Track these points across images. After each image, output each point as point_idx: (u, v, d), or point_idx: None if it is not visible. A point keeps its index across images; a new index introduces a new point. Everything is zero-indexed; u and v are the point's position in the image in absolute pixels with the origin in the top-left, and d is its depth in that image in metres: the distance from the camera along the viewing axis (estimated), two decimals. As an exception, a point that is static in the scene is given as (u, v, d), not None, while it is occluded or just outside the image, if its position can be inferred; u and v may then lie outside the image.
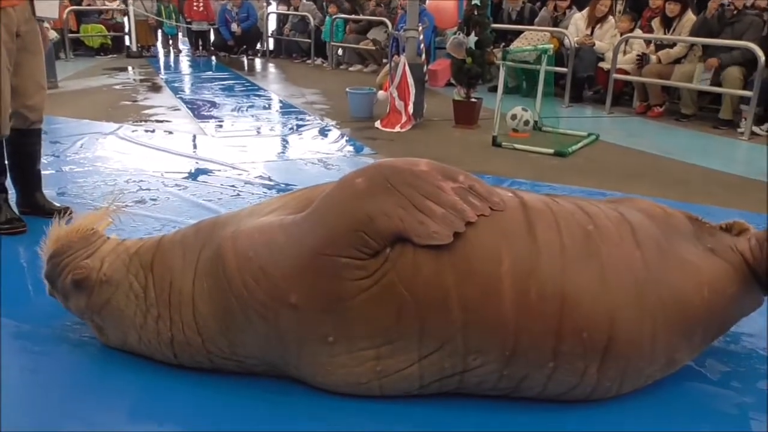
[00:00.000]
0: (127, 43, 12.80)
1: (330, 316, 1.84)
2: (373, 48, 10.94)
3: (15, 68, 3.21)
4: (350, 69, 11.44)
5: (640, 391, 2.04)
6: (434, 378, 1.92)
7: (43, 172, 3.63)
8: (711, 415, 2.01)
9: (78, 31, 12.12)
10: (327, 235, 1.82)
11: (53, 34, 6.95)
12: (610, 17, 8.15)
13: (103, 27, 12.50)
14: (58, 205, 3.59)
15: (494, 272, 1.80)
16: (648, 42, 7.67)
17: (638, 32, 7.77)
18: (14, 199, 3.52)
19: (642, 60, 7.51)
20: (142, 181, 4.33)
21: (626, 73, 7.65)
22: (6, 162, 3.40)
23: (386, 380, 1.91)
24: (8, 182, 3.45)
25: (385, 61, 9.19)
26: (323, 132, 6.33)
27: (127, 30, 12.81)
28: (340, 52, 11.97)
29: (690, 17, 7.25)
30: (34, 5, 3.29)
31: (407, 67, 6.38)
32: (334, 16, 11.54)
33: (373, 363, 1.88)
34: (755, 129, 6.49)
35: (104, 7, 12.60)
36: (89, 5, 12.48)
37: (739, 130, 6.60)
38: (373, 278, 1.81)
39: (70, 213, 3.20)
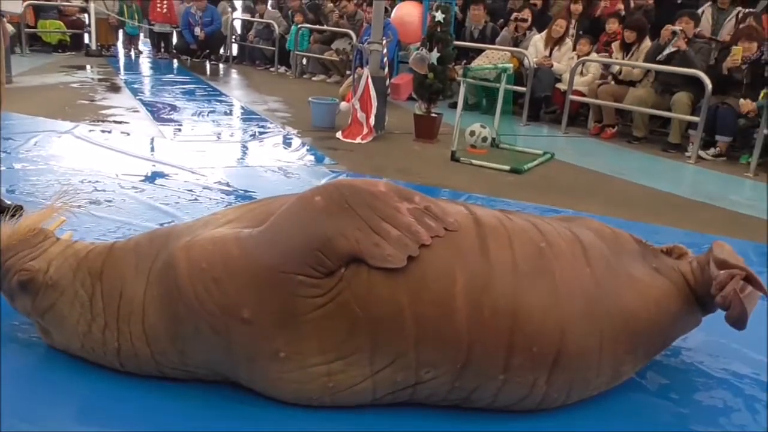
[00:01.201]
0: (87, 41, 12.57)
1: (282, 331, 1.84)
2: (337, 59, 10.98)
3: None
4: (313, 79, 11.46)
5: (584, 401, 2.12)
6: (387, 391, 1.94)
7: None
8: (650, 425, 2.10)
9: (35, 26, 11.85)
10: (283, 253, 1.82)
11: (10, 28, 6.79)
12: (568, 40, 8.38)
13: (62, 23, 12.25)
14: (8, 202, 3.50)
15: (448, 290, 1.83)
16: (606, 65, 7.92)
17: (594, 56, 8.02)
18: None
19: (610, 76, 7.79)
20: (97, 181, 4.27)
21: (582, 94, 7.88)
22: None
23: (338, 396, 1.92)
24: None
25: (348, 72, 9.25)
26: (284, 140, 6.34)
27: (86, 27, 12.58)
28: (304, 61, 11.98)
29: (647, 44, 7.52)
30: None
31: (370, 80, 6.45)
32: (299, 26, 11.57)
33: (325, 379, 1.89)
34: (701, 153, 6.76)
35: (64, 3, 12.35)
36: (48, 0, 12.22)
37: (686, 153, 6.86)
38: (327, 296, 1.82)
39: (21, 211, 3.12)
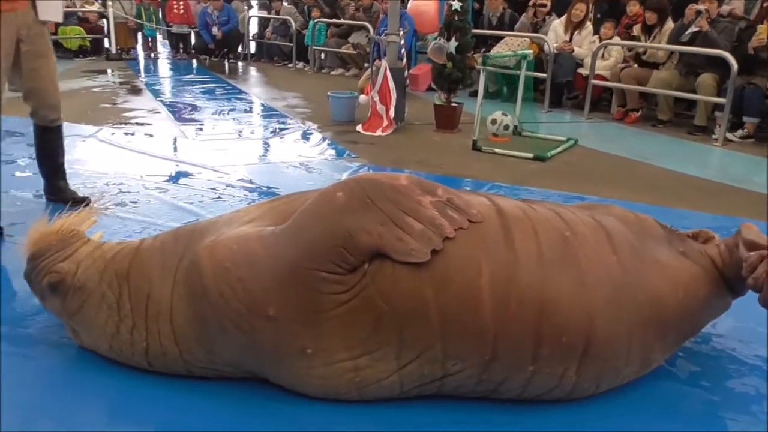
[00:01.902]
0: (107, 45, 12.72)
1: (307, 328, 1.84)
2: (354, 52, 10.97)
3: (31, 73, 3.43)
4: (332, 73, 11.47)
5: (613, 391, 2.09)
6: (414, 384, 1.94)
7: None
8: (681, 414, 2.06)
9: (56, 33, 12.03)
10: (306, 250, 1.82)
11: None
12: (588, 23, 8.27)
13: (82, 29, 12.41)
14: (80, 195, 3.80)
15: (474, 283, 1.81)
16: (630, 48, 7.80)
17: (616, 39, 7.90)
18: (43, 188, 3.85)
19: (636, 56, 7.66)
20: (122, 183, 4.32)
21: (605, 79, 7.77)
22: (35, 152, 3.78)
23: (365, 390, 1.92)
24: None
25: (366, 65, 9.23)
26: (304, 135, 6.36)
27: (106, 32, 12.74)
28: (322, 56, 11.99)
29: (669, 25, 7.38)
30: (38, 8, 3.37)
31: (388, 72, 6.43)
32: (316, 20, 11.57)
33: (352, 375, 1.89)
34: (729, 135, 6.62)
35: (83, 9, 12.51)
36: (68, 7, 12.38)
37: (713, 136, 6.73)
38: (351, 292, 1.82)
39: (89, 202, 3.38)
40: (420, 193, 1.89)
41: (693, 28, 6.78)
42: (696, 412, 2.08)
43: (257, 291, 1.85)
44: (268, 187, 4.39)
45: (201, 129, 6.51)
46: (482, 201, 2.02)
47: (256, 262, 1.87)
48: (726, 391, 2.20)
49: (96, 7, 12.68)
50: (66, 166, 3.87)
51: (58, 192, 3.80)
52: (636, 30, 7.69)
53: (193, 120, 6.94)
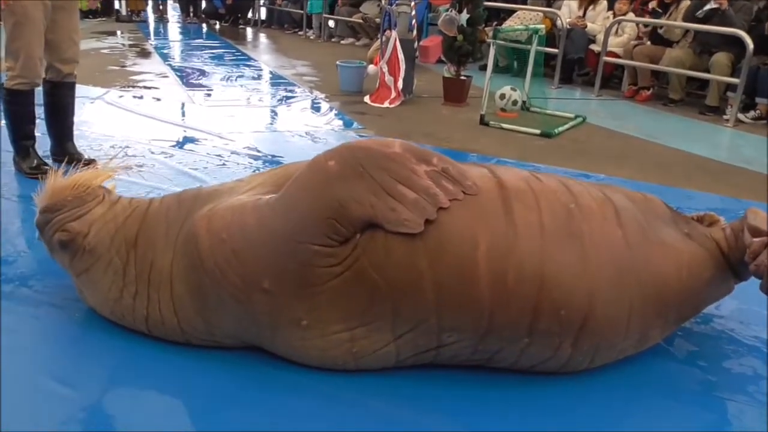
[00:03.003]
0: (117, 6, 12.63)
1: (302, 301, 1.84)
2: (364, 21, 10.85)
3: (51, 25, 3.41)
4: (342, 42, 11.36)
5: (608, 367, 2.10)
6: (409, 354, 1.95)
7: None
8: (677, 393, 2.07)
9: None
10: (297, 222, 1.80)
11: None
12: (603, -1, 8.14)
13: (93, -10, 12.33)
14: (87, 157, 3.80)
15: (470, 255, 1.79)
16: (644, 25, 7.68)
17: (630, 15, 7.78)
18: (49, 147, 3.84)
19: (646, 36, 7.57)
20: (128, 147, 4.32)
21: (617, 56, 7.67)
22: (36, 111, 3.65)
23: (362, 360, 1.93)
24: (43, 130, 3.79)
25: (377, 35, 9.14)
26: (312, 105, 6.32)
27: (117, -6, 12.65)
28: (331, 23, 11.87)
29: (686, 3, 7.26)
30: None
31: (398, 43, 6.36)
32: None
33: (348, 345, 1.89)
34: (741, 116, 6.55)
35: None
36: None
37: (724, 117, 6.66)
38: (344, 264, 1.80)
39: (95, 165, 3.33)
40: (414, 161, 1.85)
41: (711, 5, 6.65)
42: (692, 391, 2.08)
43: (252, 263, 1.84)
44: (273, 156, 4.38)
45: (208, 95, 6.49)
46: (483, 172, 1.99)
47: (249, 234, 1.85)
48: (723, 371, 2.20)
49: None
50: (73, 127, 3.87)
51: (65, 153, 3.74)
52: (651, 6, 7.57)
53: (200, 85, 6.91)
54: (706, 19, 6.75)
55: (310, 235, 1.79)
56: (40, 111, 3.72)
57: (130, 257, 2.07)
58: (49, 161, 3.73)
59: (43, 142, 3.86)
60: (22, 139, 3.59)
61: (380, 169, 1.81)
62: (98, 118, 5.10)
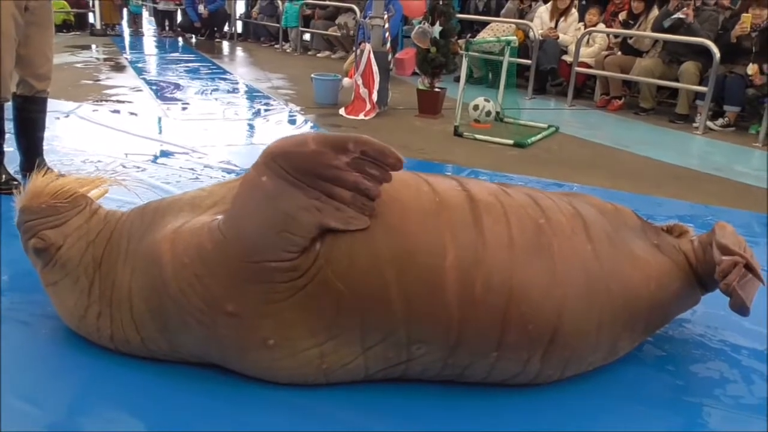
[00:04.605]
0: (91, 20, 12.55)
1: (268, 320, 1.82)
2: (339, 34, 10.88)
3: (25, 40, 3.40)
4: (318, 55, 11.39)
5: (578, 375, 2.12)
6: (379, 367, 1.94)
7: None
8: (645, 397, 2.09)
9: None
10: (251, 243, 1.78)
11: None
12: (574, 10, 8.26)
13: (67, 3, 12.22)
14: (57, 172, 3.61)
15: (438, 265, 1.80)
16: (614, 35, 7.81)
17: (601, 26, 7.90)
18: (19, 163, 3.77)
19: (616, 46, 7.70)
20: (99, 161, 4.28)
21: (588, 66, 7.78)
22: (6, 126, 3.59)
23: (332, 375, 1.92)
24: (13, 145, 3.74)
25: (353, 48, 9.18)
26: (287, 118, 6.32)
27: (91, 7, 12.55)
28: (306, 37, 11.89)
29: (655, 14, 7.39)
30: None
31: (372, 55, 6.40)
32: (301, 2, 11.46)
33: (318, 362, 1.88)
34: (709, 124, 6.68)
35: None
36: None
37: (694, 125, 6.78)
38: (306, 276, 1.79)
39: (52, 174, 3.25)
40: (333, 155, 1.79)
41: (678, 15, 6.79)
42: (660, 396, 2.11)
43: (214, 287, 1.82)
44: (247, 169, 4.35)
45: (183, 108, 6.46)
46: (452, 185, 2.00)
47: (208, 259, 1.83)
48: (690, 375, 2.24)
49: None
50: (44, 141, 3.83)
51: (33, 168, 3.69)
52: (621, 17, 7.70)
53: (175, 99, 6.88)
54: (673, 29, 6.89)
55: (265, 254, 1.77)
56: (9, 126, 3.67)
57: (95, 277, 2.04)
58: (19, 177, 3.68)
59: (12, 156, 3.81)
60: None
61: (309, 174, 1.77)
62: (70, 132, 5.05)
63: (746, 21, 6.44)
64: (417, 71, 7.14)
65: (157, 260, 1.90)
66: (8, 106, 3.56)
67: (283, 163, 1.79)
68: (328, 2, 11.45)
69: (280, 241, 1.77)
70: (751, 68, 6.30)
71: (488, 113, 6.22)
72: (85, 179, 2.22)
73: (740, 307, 2.01)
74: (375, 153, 1.81)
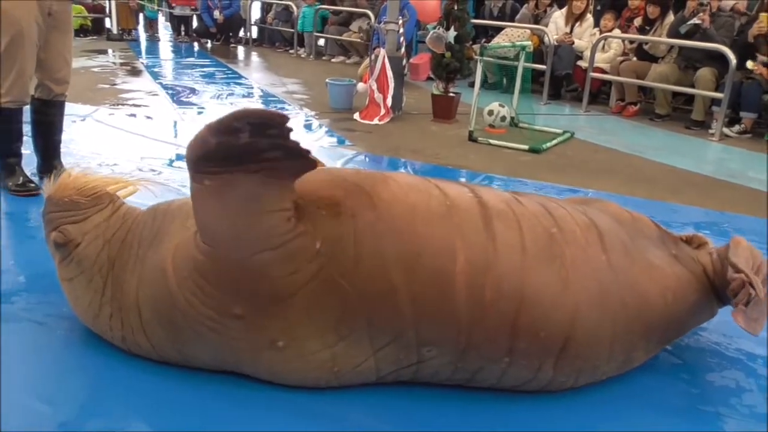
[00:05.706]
0: (108, 25, 12.67)
1: (275, 320, 1.83)
2: (358, 38, 10.91)
3: (45, 45, 3.46)
4: (333, 60, 11.43)
5: (593, 383, 2.11)
6: (390, 369, 1.94)
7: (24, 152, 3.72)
8: (659, 405, 2.08)
9: (58, 12, 11.95)
10: (234, 242, 1.77)
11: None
12: (589, 16, 8.24)
13: (83, 8, 12.36)
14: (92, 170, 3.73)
15: (447, 268, 1.79)
16: (629, 41, 7.77)
17: (616, 32, 7.87)
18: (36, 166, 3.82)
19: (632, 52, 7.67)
20: (116, 164, 4.32)
21: (604, 71, 7.75)
22: (30, 129, 3.70)
23: (344, 377, 1.93)
24: (30, 148, 3.80)
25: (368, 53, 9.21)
26: (302, 122, 6.34)
27: (107, 12, 12.68)
28: (321, 42, 11.94)
29: (670, 19, 7.36)
30: None
31: (386, 60, 6.41)
32: (317, 7, 11.52)
33: (330, 365, 1.88)
34: (726, 130, 6.62)
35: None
36: (69, -14, 12.28)
37: (710, 131, 6.73)
38: (306, 272, 1.79)
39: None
40: (234, 137, 1.70)
41: (694, 21, 6.74)
42: (675, 404, 2.09)
43: (217, 294, 1.83)
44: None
45: (199, 113, 6.50)
46: (463, 191, 1.99)
47: (203, 268, 1.84)
48: (706, 384, 2.22)
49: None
50: (61, 145, 3.87)
51: (51, 171, 3.70)
52: (637, 22, 7.67)
53: (191, 103, 6.93)
54: (689, 34, 6.84)
55: (255, 245, 1.77)
56: (27, 128, 3.72)
57: (109, 277, 2.05)
58: (36, 179, 3.73)
59: (30, 159, 3.86)
60: (8, 156, 3.59)
61: (232, 159, 1.71)
62: (87, 135, 5.10)
63: (764, 20, 6.39)
64: (431, 76, 7.15)
65: (163, 276, 1.91)
66: (26, 108, 3.60)
67: (204, 165, 1.76)
68: (342, 8, 11.50)
69: (274, 220, 1.75)
70: (750, 64, 6.25)
71: (503, 118, 6.21)
72: (113, 178, 2.24)
73: (745, 330, 1.97)
74: (258, 120, 1.72)
